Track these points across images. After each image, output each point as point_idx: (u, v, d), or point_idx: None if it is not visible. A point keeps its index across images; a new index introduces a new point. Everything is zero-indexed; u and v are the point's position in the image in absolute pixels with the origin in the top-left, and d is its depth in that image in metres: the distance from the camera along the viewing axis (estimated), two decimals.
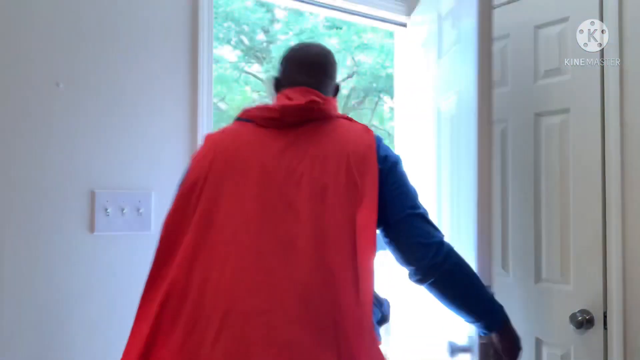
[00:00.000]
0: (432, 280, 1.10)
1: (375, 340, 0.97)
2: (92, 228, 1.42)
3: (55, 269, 1.37)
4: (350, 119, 1.23)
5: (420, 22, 1.96)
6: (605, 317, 1.47)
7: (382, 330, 1.25)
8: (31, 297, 1.34)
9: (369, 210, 1.05)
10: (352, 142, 1.13)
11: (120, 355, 1.00)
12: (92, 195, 1.42)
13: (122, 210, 1.45)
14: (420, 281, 1.12)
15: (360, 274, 0.99)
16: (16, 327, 1.32)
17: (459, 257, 1.12)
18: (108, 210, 1.43)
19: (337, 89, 1.34)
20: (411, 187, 1.16)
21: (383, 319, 1.20)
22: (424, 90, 1.88)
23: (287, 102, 1.17)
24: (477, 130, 1.28)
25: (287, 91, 1.22)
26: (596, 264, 1.50)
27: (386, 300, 1.24)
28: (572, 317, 1.51)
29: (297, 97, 1.18)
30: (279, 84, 1.29)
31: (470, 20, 1.35)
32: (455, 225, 1.52)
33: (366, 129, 1.19)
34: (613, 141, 1.48)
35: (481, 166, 1.27)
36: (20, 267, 1.33)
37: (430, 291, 1.12)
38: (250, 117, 1.19)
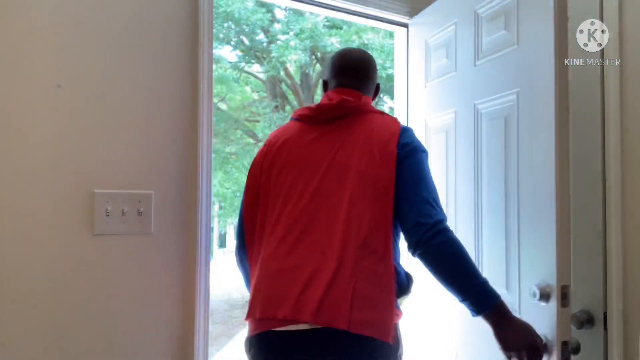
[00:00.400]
0: (420, 251, 1.22)
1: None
2: (92, 228, 1.42)
3: (56, 269, 1.37)
4: (383, 113, 1.40)
5: (433, 22, 1.94)
6: (605, 317, 1.47)
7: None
8: (31, 298, 1.34)
9: (385, 193, 1.25)
10: (378, 131, 1.32)
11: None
12: (92, 195, 1.42)
13: (123, 210, 1.45)
14: (412, 253, 1.25)
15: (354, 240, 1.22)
16: (16, 328, 1.32)
17: (452, 238, 1.22)
18: (108, 211, 1.43)
19: (377, 88, 1.54)
20: (424, 173, 1.29)
21: (399, 289, 1.29)
22: (444, 90, 1.86)
23: (324, 101, 1.40)
24: (555, 127, 1.30)
25: (329, 92, 1.45)
26: (596, 264, 1.50)
27: (406, 273, 1.35)
28: (573, 317, 1.51)
29: (335, 97, 1.40)
30: (326, 86, 1.52)
31: (543, 18, 1.37)
32: (513, 222, 1.48)
33: (394, 121, 1.37)
34: (613, 141, 1.48)
35: (559, 163, 1.29)
36: (20, 268, 1.33)
37: (423, 263, 1.24)
38: (297, 117, 1.44)
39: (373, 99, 1.53)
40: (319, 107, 1.38)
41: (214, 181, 9.42)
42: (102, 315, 1.42)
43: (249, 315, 1.27)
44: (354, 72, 1.46)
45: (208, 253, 1.58)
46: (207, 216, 1.57)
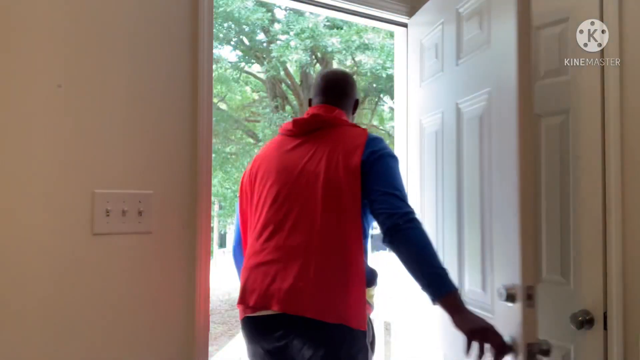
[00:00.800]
0: (390, 237, 1.36)
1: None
2: (92, 228, 1.42)
3: (56, 270, 1.37)
4: (354, 125, 1.60)
5: (427, 22, 1.95)
6: (605, 317, 1.47)
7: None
8: (31, 297, 1.34)
9: (350, 197, 1.42)
10: (346, 142, 1.50)
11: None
12: (93, 195, 1.42)
13: (123, 210, 1.45)
14: (384, 241, 1.39)
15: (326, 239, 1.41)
16: (16, 327, 1.32)
17: (420, 227, 1.36)
18: (109, 211, 1.43)
19: (356, 104, 1.74)
20: (393, 175, 1.44)
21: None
22: (434, 91, 1.86)
23: (303, 116, 1.61)
24: (517, 128, 1.29)
25: (309, 109, 1.66)
26: (596, 264, 1.50)
27: (371, 269, 1.52)
28: (572, 317, 1.51)
29: (311, 111, 1.61)
30: (310, 103, 1.72)
31: (508, 18, 1.36)
32: (488, 225, 1.50)
33: (362, 132, 1.54)
34: (613, 141, 1.48)
35: (522, 164, 1.28)
36: (20, 268, 1.33)
37: (393, 250, 1.38)
38: (282, 131, 1.66)
39: (353, 112, 1.73)
40: (295, 121, 1.59)
41: (214, 181, 9.41)
42: (102, 315, 1.42)
43: (237, 303, 1.53)
44: (332, 90, 1.67)
45: (208, 253, 1.58)
46: (207, 216, 1.57)
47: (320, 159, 1.48)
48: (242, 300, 1.49)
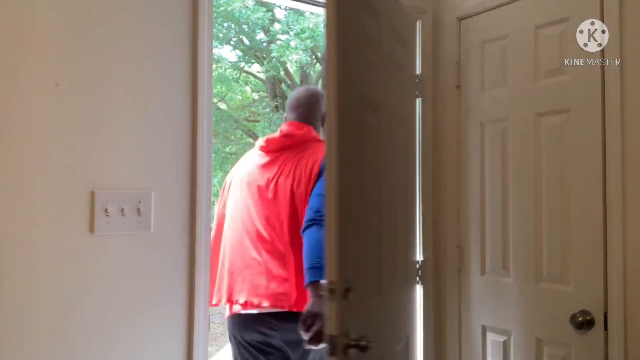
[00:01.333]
0: (303, 229, 1.60)
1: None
2: (92, 228, 1.42)
3: (55, 269, 1.36)
4: (319, 140, 1.81)
5: None
6: (605, 317, 1.47)
7: None
8: (30, 298, 1.34)
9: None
10: (310, 156, 1.73)
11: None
12: (92, 195, 1.42)
13: (122, 210, 1.45)
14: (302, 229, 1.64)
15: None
16: (15, 328, 1.32)
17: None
18: (108, 211, 1.43)
19: (324, 118, 1.80)
20: None
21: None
22: None
23: (275, 134, 1.83)
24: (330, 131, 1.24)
25: (283, 125, 1.87)
26: (596, 264, 1.50)
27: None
28: (573, 318, 1.51)
29: (283, 130, 1.82)
30: (285, 120, 1.91)
31: None
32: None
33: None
34: (613, 141, 1.48)
35: (330, 169, 1.24)
36: (20, 268, 1.33)
37: (304, 238, 1.61)
38: (258, 147, 1.88)
39: (322, 125, 1.87)
40: (268, 140, 1.82)
41: (214, 181, 9.40)
42: (101, 315, 1.41)
43: (219, 300, 1.80)
44: (300, 108, 1.86)
45: (208, 253, 1.58)
46: (207, 216, 1.57)
47: (288, 174, 1.72)
48: (230, 299, 1.75)
